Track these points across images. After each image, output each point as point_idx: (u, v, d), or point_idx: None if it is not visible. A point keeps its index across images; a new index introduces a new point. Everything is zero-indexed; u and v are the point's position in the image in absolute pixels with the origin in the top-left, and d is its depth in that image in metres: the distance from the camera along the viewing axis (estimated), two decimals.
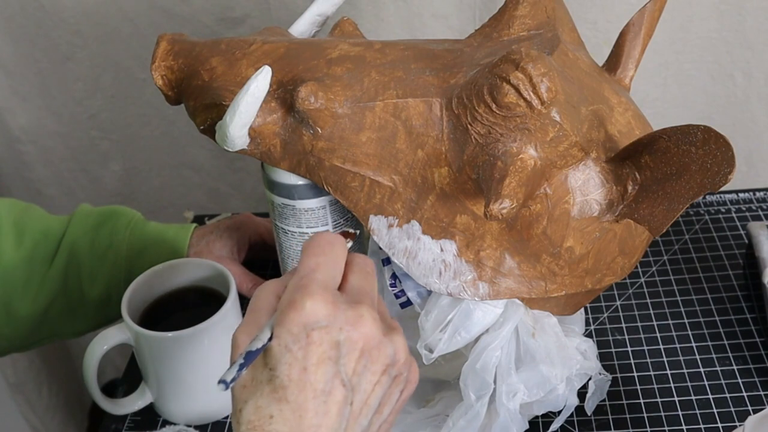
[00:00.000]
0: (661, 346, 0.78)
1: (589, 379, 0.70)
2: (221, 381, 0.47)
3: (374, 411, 0.51)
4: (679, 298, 0.83)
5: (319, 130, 0.63)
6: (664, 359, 0.77)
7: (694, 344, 0.78)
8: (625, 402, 0.73)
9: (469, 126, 0.61)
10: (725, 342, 0.78)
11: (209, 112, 0.66)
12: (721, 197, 0.94)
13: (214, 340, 0.71)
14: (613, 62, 0.71)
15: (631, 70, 0.71)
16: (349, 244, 0.54)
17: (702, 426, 0.71)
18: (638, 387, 0.74)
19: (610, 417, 0.72)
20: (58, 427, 1.33)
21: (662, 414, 0.72)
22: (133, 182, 1.27)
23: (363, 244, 0.73)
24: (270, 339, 0.49)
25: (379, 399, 0.51)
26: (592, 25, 1.03)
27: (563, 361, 0.66)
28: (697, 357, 0.77)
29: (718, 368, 0.75)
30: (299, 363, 0.48)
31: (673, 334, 0.79)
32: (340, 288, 0.52)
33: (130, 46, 1.13)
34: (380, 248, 0.64)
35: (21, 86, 1.18)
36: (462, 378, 0.65)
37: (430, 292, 0.65)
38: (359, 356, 0.49)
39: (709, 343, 0.78)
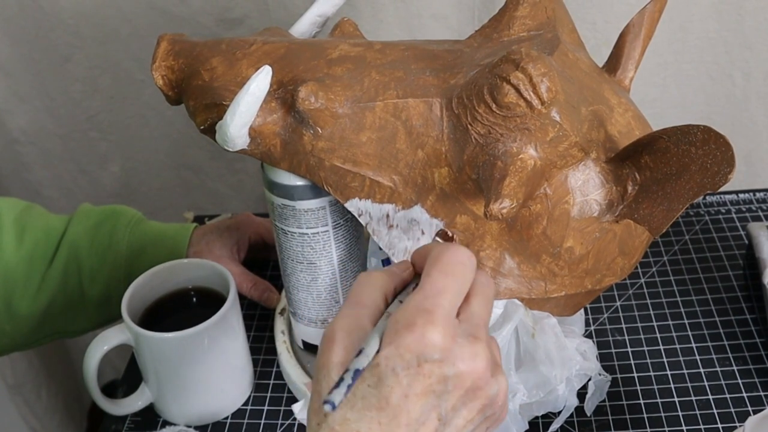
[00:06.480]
0: (661, 347, 0.78)
1: (589, 379, 0.70)
2: (327, 402, 0.44)
3: None
4: (679, 299, 0.83)
5: (319, 130, 0.63)
6: (664, 359, 0.77)
7: (694, 344, 0.78)
8: (625, 402, 0.73)
9: (469, 126, 0.61)
10: (725, 342, 0.78)
11: (209, 112, 0.66)
12: (721, 197, 0.94)
13: (214, 340, 0.71)
14: (613, 63, 0.71)
15: (631, 71, 0.71)
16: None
17: (702, 426, 0.70)
18: (638, 387, 0.74)
19: (610, 417, 0.72)
20: (58, 428, 1.32)
21: (662, 414, 0.72)
22: (132, 183, 1.26)
23: (363, 245, 0.73)
24: (377, 351, 0.47)
25: None
26: (591, 26, 1.03)
27: (563, 361, 0.66)
28: (697, 357, 0.77)
29: (718, 369, 0.75)
30: (402, 389, 0.46)
31: (673, 334, 0.79)
32: (460, 309, 0.49)
33: (128, 46, 1.13)
34: (380, 248, 0.64)
35: (20, 87, 1.17)
36: None
37: None
38: (463, 394, 0.48)
39: (709, 344, 0.78)
